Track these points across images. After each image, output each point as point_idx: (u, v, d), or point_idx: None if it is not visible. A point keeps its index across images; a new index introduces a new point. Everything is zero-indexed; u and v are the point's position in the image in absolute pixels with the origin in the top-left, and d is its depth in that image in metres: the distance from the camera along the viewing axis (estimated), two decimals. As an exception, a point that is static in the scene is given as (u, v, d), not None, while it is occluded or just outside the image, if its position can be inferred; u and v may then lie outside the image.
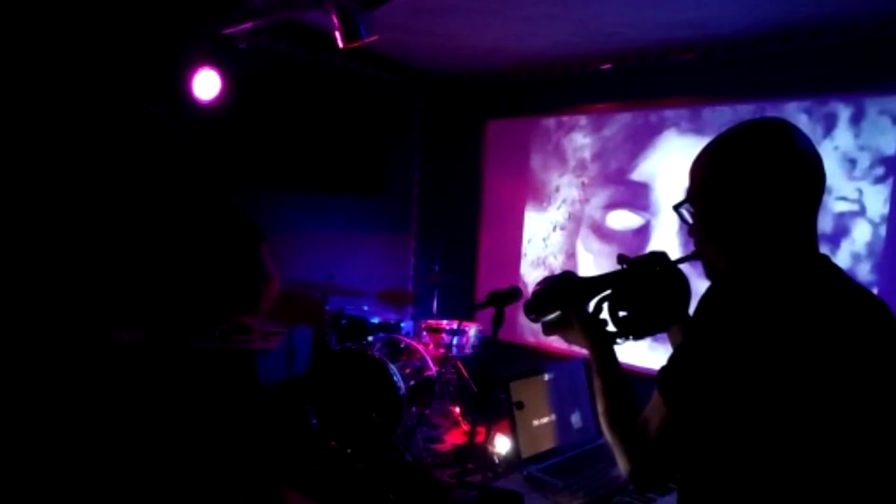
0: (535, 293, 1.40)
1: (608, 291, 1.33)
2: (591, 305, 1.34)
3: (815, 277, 1.07)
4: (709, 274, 1.20)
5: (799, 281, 1.05)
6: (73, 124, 2.81)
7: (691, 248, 1.25)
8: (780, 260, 1.08)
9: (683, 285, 1.31)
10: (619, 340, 1.30)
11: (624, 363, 1.29)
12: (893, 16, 3.28)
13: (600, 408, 1.22)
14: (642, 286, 1.31)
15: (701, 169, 1.18)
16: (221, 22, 3.60)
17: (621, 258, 1.34)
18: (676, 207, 1.23)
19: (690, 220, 1.21)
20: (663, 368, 1.06)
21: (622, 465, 1.12)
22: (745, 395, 0.97)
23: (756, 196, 1.08)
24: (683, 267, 1.33)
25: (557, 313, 1.36)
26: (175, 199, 2.99)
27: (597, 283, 1.34)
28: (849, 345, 1.00)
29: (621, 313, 1.31)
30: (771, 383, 0.96)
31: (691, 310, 1.24)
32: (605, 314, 1.33)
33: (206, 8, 3.58)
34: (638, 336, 1.31)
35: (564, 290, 1.35)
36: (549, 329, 1.38)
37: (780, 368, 0.96)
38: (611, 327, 1.32)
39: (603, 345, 1.27)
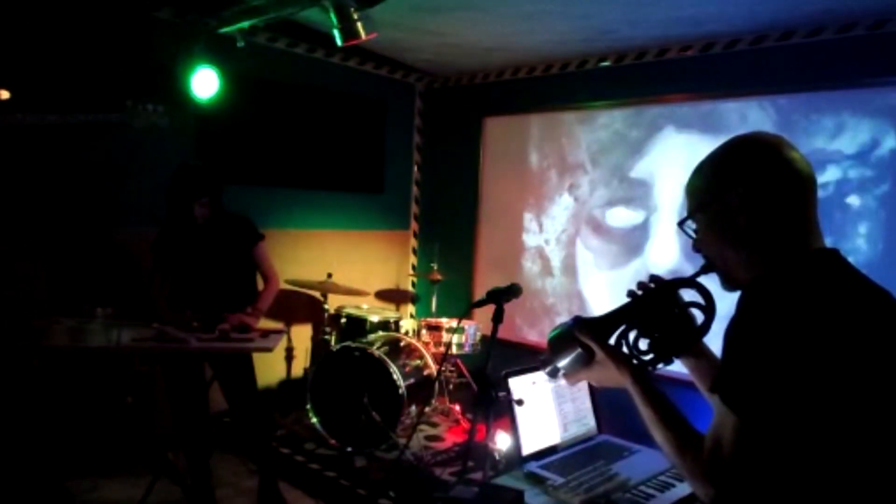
0: (550, 340, 1.37)
1: (624, 326, 1.32)
2: (612, 341, 1.32)
3: (842, 273, 1.11)
4: (726, 282, 1.22)
5: (830, 276, 1.09)
6: (71, 122, 2.81)
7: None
8: (801, 257, 1.12)
9: (709, 300, 1.30)
10: (650, 368, 1.29)
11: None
12: (892, 12, 3.28)
13: (660, 437, 1.18)
14: (662, 311, 1.31)
15: (706, 180, 1.21)
16: (219, 20, 3.59)
17: (630, 292, 1.35)
18: (681, 224, 1.26)
19: (695, 236, 1.24)
20: (723, 381, 1.04)
21: (701, 489, 1.09)
22: (815, 386, 0.98)
23: (768, 198, 1.13)
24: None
25: (575, 353, 1.33)
26: (172, 199, 2.98)
27: (613, 319, 1.33)
28: (885, 337, 1.04)
29: (643, 343, 1.31)
30: (833, 371, 0.99)
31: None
32: (625, 348, 1.32)
33: (205, 6, 3.57)
34: (668, 360, 1.30)
35: (586, 328, 1.32)
36: (573, 372, 1.35)
37: (837, 358, 0.99)
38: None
39: (643, 374, 1.26)
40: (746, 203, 1.14)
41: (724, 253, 1.20)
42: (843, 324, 1.02)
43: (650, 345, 1.31)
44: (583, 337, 1.32)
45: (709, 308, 1.30)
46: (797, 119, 3.70)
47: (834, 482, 1.01)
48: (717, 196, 1.17)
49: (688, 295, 1.35)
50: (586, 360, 1.32)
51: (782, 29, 3.65)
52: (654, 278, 1.36)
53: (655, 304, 1.32)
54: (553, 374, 1.38)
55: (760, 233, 1.14)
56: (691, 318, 1.35)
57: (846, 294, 1.07)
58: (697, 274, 1.28)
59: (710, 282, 1.28)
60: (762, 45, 3.75)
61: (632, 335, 1.32)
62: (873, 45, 3.39)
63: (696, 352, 1.36)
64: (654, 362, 1.30)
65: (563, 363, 1.35)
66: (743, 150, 1.19)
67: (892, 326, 1.06)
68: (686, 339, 1.32)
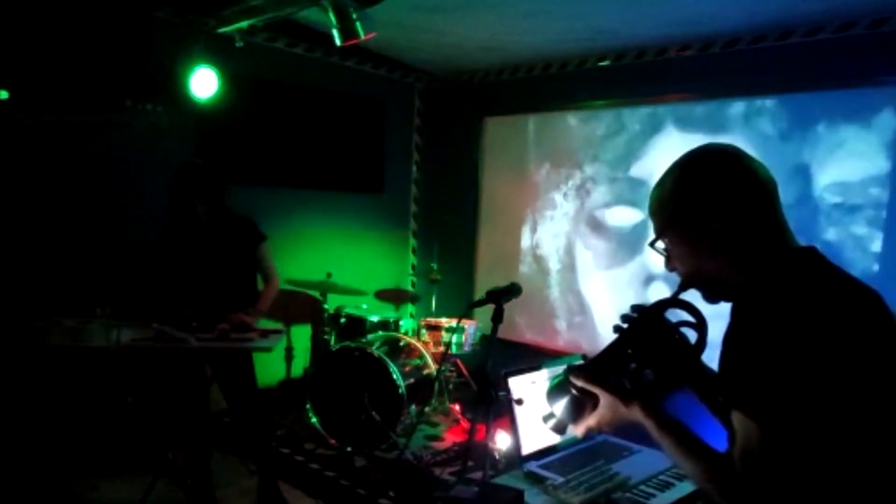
0: (547, 393, 1.34)
1: (621, 363, 1.30)
2: (612, 379, 1.29)
3: (829, 271, 1.12)
4: (709, 294, 1.22)
5: (821, 275, 1.11)
6: (70, 122, 2.81)
7: None
8: (784, 256, 1.13)
9: (698, 316, 1.28)
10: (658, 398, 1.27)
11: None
12: (891, 11, 3.28)
13: (687, 466, 1.14)
14: (654, 338, 1.29)
15: (674, 194, 1.23)
16: (218, 20, 3.59)
17: (616, 327, 1.33)
18: (652, 245, 1.26)
19: (667, 254, 1.25)
20: (740, 393, 1.03)
21: None
22: (831, 381, 0.99)
23: (739, 201, 1.15)
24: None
25: (573, 400, 1.29)
26: (174, 197, 2.98)
27: (607, 358, 1.30)
28: (876, 331, 1.06)
29: (646, 373, 1.29)
30: (844, 365, 1.00)
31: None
32: (628, 383, 1.30)
33: (204, 6, 3.57)
34: (675, 386, 1.28)
35: (582, 374, 1.29)
36: (580, 421, 1.31)
37: (846, 352, 1.01)
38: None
39: (653, 405, 1.23)
40: (719, 208, 1.15)
41: (703, 263, 1.20)
42: (844, 319, 1.03)
43: (653, 375, 1.28)
44: (580, 382, 1.29)
45: (700, 324, 1.28)
46: (796, 118, 3.69)
47: (863, 478, 1.03)
48: (688, 207, 1.18)
49: (675, 315, 1.32)
50: (588, 405, 1.29)
51: (781, 28, 3.65)
52: (636, 308, 1.34)
53: (645, 333, 1.29)
54: (560, 430, 1.35)
55: (737, 235, 1.15)
56: (684, 338, 1.33)
57: (840, 291, 1.08)
58: (678, 292, 1.27)
59: (691, 296, 1.27)
60: (761, 44, 3.75)
61: (631, 369, 1.30)
62: (872, 44, 3.40)
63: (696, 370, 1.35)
64: (661, 392, 1.27)
65: (563, 414, 1.33)
66: (705, 161, 1.22)
67: (884, 319, 1.08)
68: (686, 360, 1.30)
